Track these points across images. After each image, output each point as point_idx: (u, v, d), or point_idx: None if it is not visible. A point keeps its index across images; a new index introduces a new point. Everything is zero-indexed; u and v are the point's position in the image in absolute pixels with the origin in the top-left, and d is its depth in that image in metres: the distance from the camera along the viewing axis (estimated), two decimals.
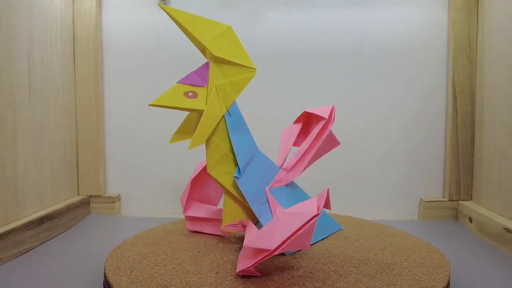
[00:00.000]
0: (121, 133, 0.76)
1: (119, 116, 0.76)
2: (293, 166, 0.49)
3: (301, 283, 0.37)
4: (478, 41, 0.68)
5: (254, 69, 0.47)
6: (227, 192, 0.47)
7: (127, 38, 0.75)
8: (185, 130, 0.51)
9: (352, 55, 0.73)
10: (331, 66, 0.73)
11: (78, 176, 0.74)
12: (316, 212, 0.36)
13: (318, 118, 0.49)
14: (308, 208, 0.37)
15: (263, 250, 0.36)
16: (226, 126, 0.46)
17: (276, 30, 0.73)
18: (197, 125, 0.44)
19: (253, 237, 0.38)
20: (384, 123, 0.73)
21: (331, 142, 0.48)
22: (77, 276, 0.46)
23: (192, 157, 0.75)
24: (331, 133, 0.46)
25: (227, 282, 0.37)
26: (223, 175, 0.46)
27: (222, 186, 0.46)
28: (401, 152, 0.73)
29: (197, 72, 0.46)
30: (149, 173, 0.76)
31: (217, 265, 0.42)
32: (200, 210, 0.54)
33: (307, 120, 0.51)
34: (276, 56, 0.73)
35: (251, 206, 0.46)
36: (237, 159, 0.46)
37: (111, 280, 0.38)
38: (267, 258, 0.36)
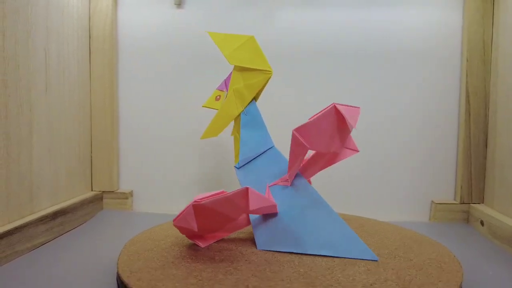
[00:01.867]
0: (134, 130, 0.77)
1: (133, 113, 0.77)
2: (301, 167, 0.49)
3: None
4: (492, 43, 0.68)
5: (269, 71, 0.54)
6: None
7: (142, 37, 0.76)
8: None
9: (365, 56, 0.73)
10: (342, 67, 0.73)
11: (91, 172, 0.75)
12: (194, 202, 0.40)
13: None
14: (204, 197, 0.41)
15: None
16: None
17: (287, 29, 0.74)
18: None
19: None
20: (396, 125, 0.73)
21: (298, 145, 0.44)
22: (89, 270, 0.46)
23: (204, 154, 0.76)
24: (294, 135, 0.44)
25: (242, 278, 0.38)
26: None
27: None
28: (413, 154, 0.73)
29: (226, 79, 0.56)
30: (161, 170, 0.77)
31: (229, 260, 0.42)
32: None
33: None
34: (287, 56, 0.74)
35: None
36: (240, 151, 0.53)
37: (124, 276, 0.39)
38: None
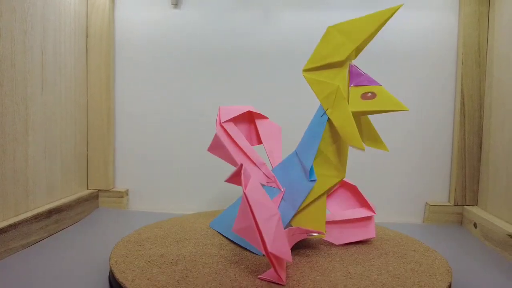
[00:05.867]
0: (130, 129, 0.77)
1: (129, 111, 0.77)
2: None
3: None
4: (488, 46, 0.68)
5: None
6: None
7: (139, 36, 0.76)
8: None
9: (360, 58, 0.72)
10: None
11: (87, 170, 0.75)
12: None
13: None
14: None
15: None
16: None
17: (283, 31, 0.74)
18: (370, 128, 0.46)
19: None
20: (391, 126, 0.73)
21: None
22: (83, 268, 0.47)
23: (200, 154, 0.76)
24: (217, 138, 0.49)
25: (231, 275, 0.38)
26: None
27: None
28: (407, 156, 0.73)
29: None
30: (157, 169, 0.77)
31: (219, 257, 0.42)
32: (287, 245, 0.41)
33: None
34: (283, 56, 0.74)
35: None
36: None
37: (116, 272, 0.39)
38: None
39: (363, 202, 0.52)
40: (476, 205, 0.70)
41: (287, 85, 0.74)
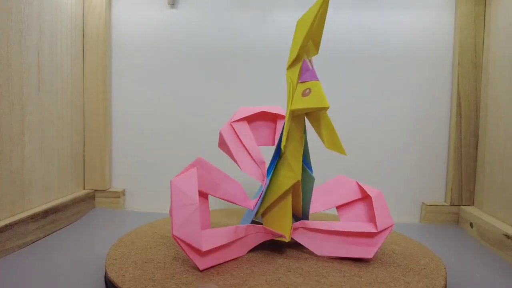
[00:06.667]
0: (127, 129, 0.77)
1: (126, 112, 0.77)
2: None
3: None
4: (484, 46, 0.68)
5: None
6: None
7: (135, 36, 0.76)
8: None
9: (357, 58, 0.73)
10: (335, 69, 0.73)
11: (84, 170, 0.75)
12: None
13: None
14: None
15: None
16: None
17: (281, 31, 0.74)
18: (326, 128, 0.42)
19: None
20: (387, 127, 0.73)
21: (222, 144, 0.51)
22: (79, 269, 0.47)
23: (197, 153, 0.76)
24: (220, 135, 0.51)
25: (224, 276, 0.38)
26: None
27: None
28: (404, 156, 0.73)
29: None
30: (154, 169, 0.77)
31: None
32: (217, 237, 0.42)
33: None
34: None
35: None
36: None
37: (111, 274, 0.39)
38: None
39: (372, 217, 0.46)
40: (472, 205, 0.70)
41: (286, 85, 0.74)
